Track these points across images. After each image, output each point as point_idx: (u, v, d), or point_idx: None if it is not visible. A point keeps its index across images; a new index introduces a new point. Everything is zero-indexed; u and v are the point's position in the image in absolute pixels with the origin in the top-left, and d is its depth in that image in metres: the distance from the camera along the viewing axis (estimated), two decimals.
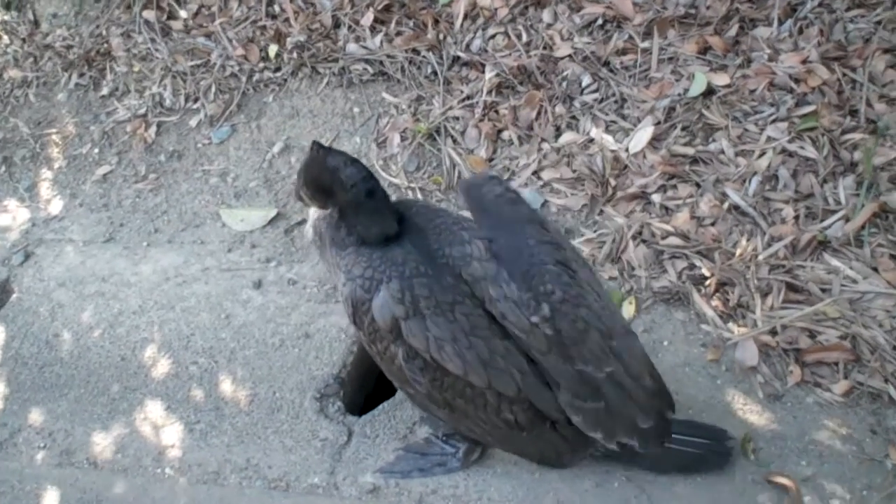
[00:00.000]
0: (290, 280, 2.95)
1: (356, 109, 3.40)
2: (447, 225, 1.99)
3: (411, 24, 3.43)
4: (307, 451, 2.43)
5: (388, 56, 3.38)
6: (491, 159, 3.13)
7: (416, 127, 3.19)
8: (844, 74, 2.87)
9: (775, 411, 2.33)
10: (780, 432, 2.29)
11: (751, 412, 2.34)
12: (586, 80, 3.11)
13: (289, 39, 3.49)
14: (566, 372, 1.89)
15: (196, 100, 3.58)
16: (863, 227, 2.56)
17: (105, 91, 3.75)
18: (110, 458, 2.53)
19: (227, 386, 2.64)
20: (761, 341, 2.44)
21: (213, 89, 3.56)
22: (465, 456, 2.31)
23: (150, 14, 3.75)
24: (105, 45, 3.79)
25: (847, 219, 2.58)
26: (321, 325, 2.78)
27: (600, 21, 3.21)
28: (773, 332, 2.45)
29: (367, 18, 3.44)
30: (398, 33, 3.41)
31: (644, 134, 2.94)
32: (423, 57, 3.35)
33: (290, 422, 2.52)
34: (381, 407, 2.53)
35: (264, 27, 3.58)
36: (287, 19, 3.55)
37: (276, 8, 3.60)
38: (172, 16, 3.76)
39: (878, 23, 2.96)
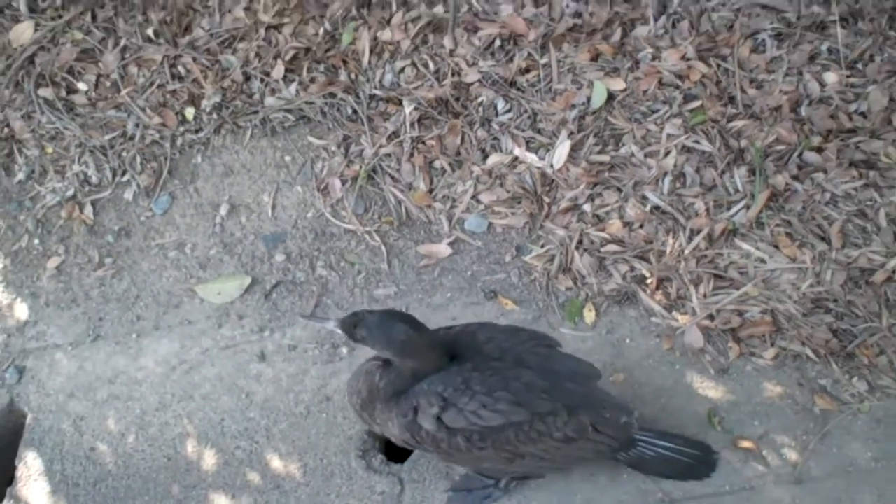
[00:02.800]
0: (290, 346, 3.29)
1: (287, 157, 3.63)
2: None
3: (322, 68, 3.62)
4: None
5: (307, 103, 3.59)
6: (431, 190, 3.49)
7: (357, 172, 3.47)
8: (718, 65, 3.36)
9: (726, 383, 2.98)
10: (733, 401, 2.94)
11: (708, 388, 2.97)
12: (500, 103, 3.47)
13: (203, 101, 3.62)
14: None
15: (124, 172, 3.68)
16: (761, 212, 3.15)
17: (21, 176, 3.76)
18: None
19: (276, 463, 3.05)
20: (702, 326, 3.04)
21: (139, 159, 3.67)
22: (506, 485, 2.85)
23: (46, 92, 3.73)
24: (6, 129, 3.77)
25: (748, 206, 3.16)
26: (336, 385, 3.17)
27: (498, 42, 3.53)
28: (711, 317, 3.06)
29: (278, 70, 3.60)
30: (311, 80, 3.60)
31: (563, 148, 3.36)
32: (341, 99, 3.58)
33: (346, 484, 2.97)
34: (415, 453, 3.01)
35: (174, 91, 3.66)
36: (196, 80, 3.65)
37: (181, 70, 3.68)
38: (71, 90, 3.76)
39: (738, 10, 3.42)
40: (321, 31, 3.61)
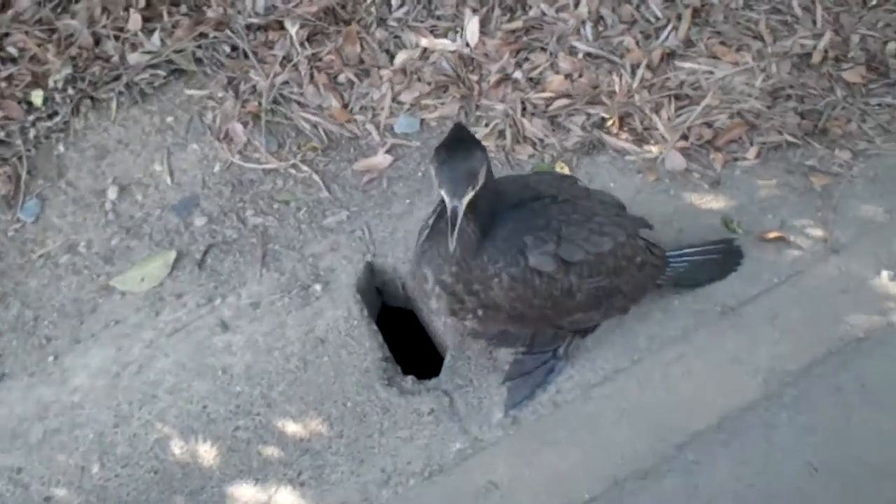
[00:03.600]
0: (252, 305, 2.80)
1: (169, 119, 3.14)
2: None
3: (184, 9, 3.18)
4: (428, 430, 2.50)
5: (177, 52, 3.12)
6: (346, 105, 3.14)
7: (257, 109, 3.06)
8: None
9: (723, 192, 2.90)
10: (738, 205, 2.86)
11: (710, 201, 2.87)
12: None
13: (51, 80, 3.04)
14: None
15: None
16: (689, 30, 3.12)
17: None
18: None
19: (293, 428, 2.55)
20: (679, 147, 2.95)
21: None
22: (565, 352, 2.56)
23: None
24: None
25: (675, 28, 3.12)
26: (324, 325, 2.73)
27: None
28: (685, 137, 2.96)
29: (135, 22, 3.11)
30: (175, 25, 3.15)
31: (473, 25, 3.16)
32: (215, 38, 3.16)
33: (385, 418, 2.54)
34: (448, 358, 2.64)
35: (10, 76, 3.05)
36: (35, 57, 3.07)
37: (13, 50, 3.07)
38: None
39: None
40: None
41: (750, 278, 2.70)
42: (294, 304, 2.81)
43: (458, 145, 2.01)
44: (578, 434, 2.48)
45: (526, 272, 2.13)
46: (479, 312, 2.21)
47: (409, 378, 2.65)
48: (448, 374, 2.63)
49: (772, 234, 2.74)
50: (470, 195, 1.97)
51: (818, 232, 2.77)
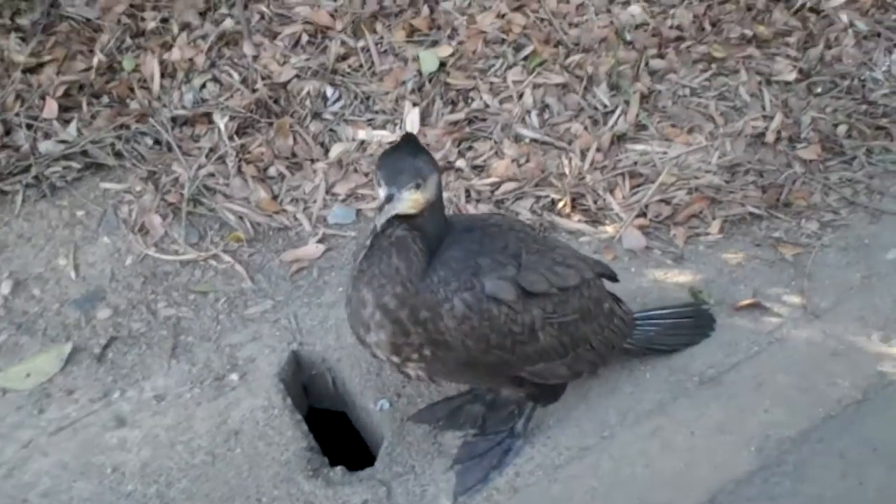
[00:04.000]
0: (157, 398, 2.39)
1: (80, 213, 2.85)
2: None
3: (105, 100, 2.99)
4: None
5: (94, 142, 2.90)
6: (275, 197, 2.90)
7: (179, 200, 2.80)
8: (535, 15, 3.30)
9: (689, 267, 2.65)
10: (707, 278, 2.60)
11: (675, 276, 2.61)
12: (329, 90, 3.07)
13: None
14: None
15: None
16: (638, 115, 3.00)
17: None
18: None
19: None
20: (637, 225, 2.72)
21: None
22: (523, 429, 2.18)
23: None
24: None
25: (624, 112, 3.00)
26: (240, 416, 2.32)
27: (305, 37, 3.19)
28: (643, 215, 2.75)
29: (50, 110, 2.90)
30: (94, 116, 2.95)
31: (413, 116, 3.01)
32: (138, 130, 2.95)
33: None
34: (385, 445, 2.22)
35: None
36: None
37: None
38: None
39: None
40: (95, 63, 3.01)
41: (728, 347, 2.39)
42: (206, 395, 2.40)
43: (406, 146, 1.78)
44: None
45: (482, 300, 1.80)
46: (427, 352, 1.83)
47: (339, 469, 2.20)
48: (385, 461, 2.20)
49: (746, 301, 2.47)
50: (413, 193, 1.72)
51: (795, 299, 2.51)
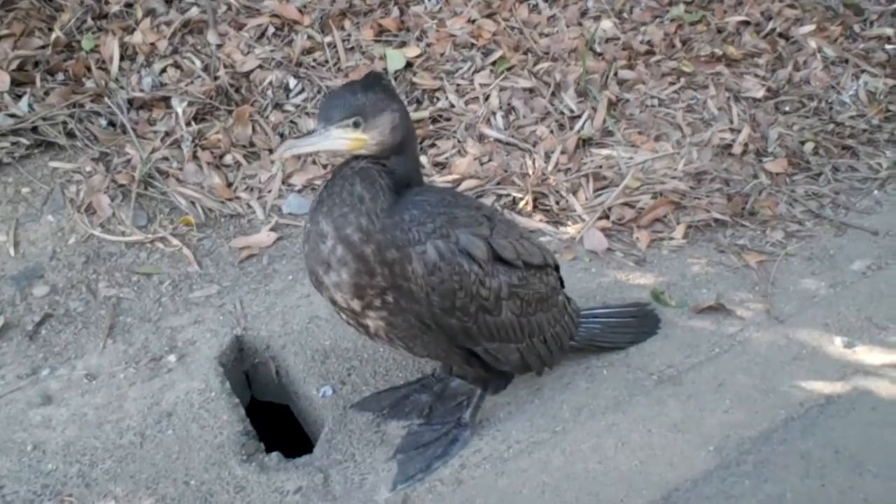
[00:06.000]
0: (88, 377, 2.25)
1: (25, 190, 2.73)
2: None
3: (60, 77, 2.89)
4: None
5: (45, 119, 2.79)
6: (230, 184, 2.81)
7: (130, 180, 2.70)
8: (505, 23, 3.27)
9: (651, 270, 2.58)
10: (668, 281, 2.53)
11: (636, 278, 2.54)
12: (292, 81, 3.00)
13: None
14: None
15: None
16: (604, 121, 2.96)
17: None
18: None
19: None
20: (600, 227, 2.66)
21: None
22: (471, 419, 2.07)
23: None
24: None
25: (591, 118, 2.96)
26: (174, 398, 2.19)
27: (272, 29, 3.13)
28: (605, 217, 2.69)
29: (3, 82, 2.79)
30: (47, 92, 2.84)
31: None
32: (91, 109, 2.85)
33: (239, 498, 1.94)
34: (325, 432, 2.10)
35: None
36: None
37: None
38: None
39: None
40: (52, 40, 2.92)
41: (688, 348, 2.31)
42: (140, 375, 2.27)
43: (360, 82, 1.69)
44: None
45: (455, 252, 1.71)
46: (390, 298, 1.71)
47: (275, 454, 2.08)
48: (324, 448, 2.08)
49: (707, 304, 2.39)
50: (348, 131, 1.64)
51: (758, 305, 2.44)
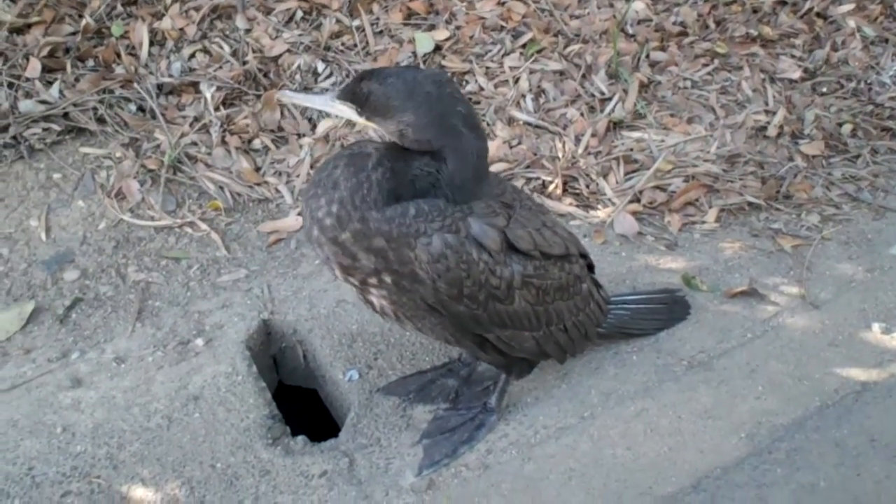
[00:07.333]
0: (116, 360, 2.26)
1: (56, 175, 2.75)
2: None
3: (91, 64, 2.91)
4: (318, 495, 1.92)
5: (76, 105, 2.81)
6: (258, 169, 2.81)
7: (159, 166, 2.71)
8: (535, 6, 3.23)
9: (682, 254, 2.53)
10: (700, 265, 2.49)
11: (668, 262, 2.50)
12: (320, 65, 2.99)
13: None
14: None
15: None
16: (636, 104, 2.91)
17: None
18: None
19: (141, 493, 1.93)
20: (630, 210, 2.62)
21: None
22: (497, 404, 2.05)
23: None
24: None
25: (622, 100, 2.91)
26: (201, 381, 2.19)
27: (300, 13, 3.12)
28: (636, 200, 2.65)
29: (34, 69, 2.81)
30: (77, 78, 2.86)
31: None
32: (121, 95, 2.87)
33: (263, 481, 1.95)
34: (351, 416, 2.10)
35: None
36: None
37: None
38: None
39: None
40: (83, 26, 2.93)
41: (720, 333, 2.27)
42: (168, 359, 2.28)
43: (398, 72, 1.66)
44: (515, 499, 1.90)
45: (464, 242, 1.68)
46: (387, 279, 1.68)
47: (300, 438, 2.08)
48: (350, 433, 2.07)
49: (740, 289, 2.35)
50: (347, 110, 1.65)
51: (793, 289, 2.39)
